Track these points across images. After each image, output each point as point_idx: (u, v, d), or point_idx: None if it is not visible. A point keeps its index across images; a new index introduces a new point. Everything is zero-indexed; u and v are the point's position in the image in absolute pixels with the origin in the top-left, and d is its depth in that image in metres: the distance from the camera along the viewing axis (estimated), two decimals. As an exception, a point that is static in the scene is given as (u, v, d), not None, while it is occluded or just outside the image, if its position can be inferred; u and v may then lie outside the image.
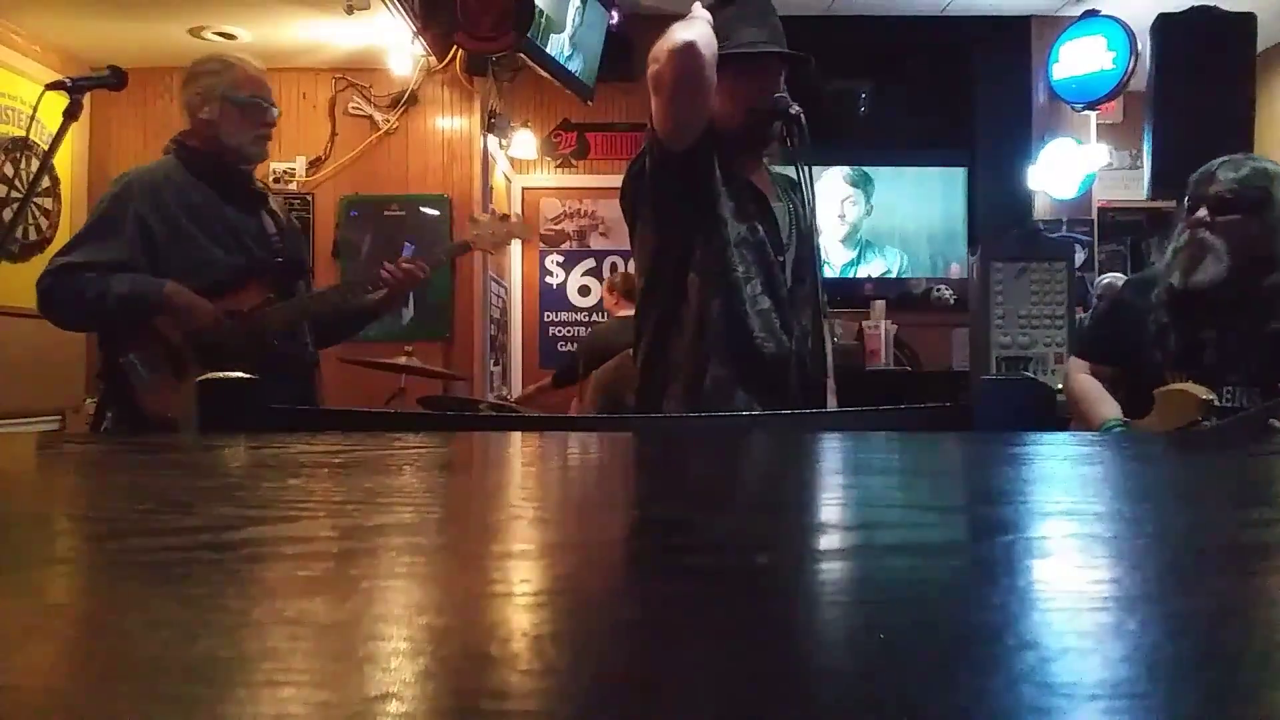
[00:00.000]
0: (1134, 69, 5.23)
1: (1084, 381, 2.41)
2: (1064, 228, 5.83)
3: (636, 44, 5.27)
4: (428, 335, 4.95)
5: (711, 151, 1.89)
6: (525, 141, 5.70)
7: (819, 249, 1.94)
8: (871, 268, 6.12)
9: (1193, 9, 3.95)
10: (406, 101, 5.01)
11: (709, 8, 1.95)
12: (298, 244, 2.52)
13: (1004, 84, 5.98)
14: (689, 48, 1.75)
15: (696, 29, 1.79)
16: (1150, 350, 2.28)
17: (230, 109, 2.31)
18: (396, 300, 2.53)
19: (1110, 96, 5.52)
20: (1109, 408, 2.34)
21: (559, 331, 6.06)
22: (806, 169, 1.90)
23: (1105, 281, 5.07)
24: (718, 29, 1.92)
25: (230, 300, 2.28)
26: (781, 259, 1.92)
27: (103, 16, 4.27)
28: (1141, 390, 2.29)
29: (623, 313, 5.06)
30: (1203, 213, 2.22)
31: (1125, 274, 5.48)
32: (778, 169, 2.07)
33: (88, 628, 0.28)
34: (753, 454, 0.94)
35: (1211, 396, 2.15)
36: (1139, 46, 5.14)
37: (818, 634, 0.27)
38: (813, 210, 1.86)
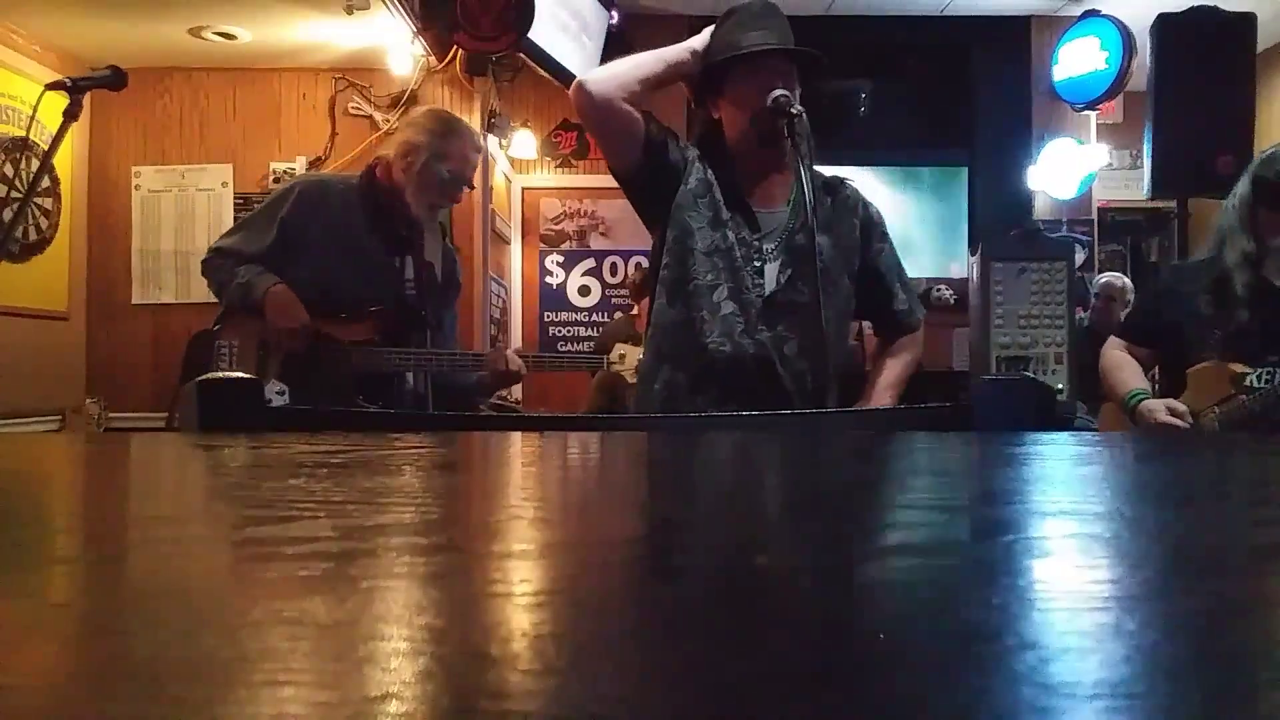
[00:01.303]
0: (1130, 69, 5.22)
1: (1116, 355, 2.45)
2: (1064, 228, 5.83)
3: (636, 44, 5.27)
4: (428, 335, 4.94)
5: (662, 172, 1.93)
6: (525, 141, 5.70)
7: (822, 251, 1.89)
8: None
9: (1193, 9, 3.95)
10: (406, 101, 5.01)
11: (714, 28, 1.97)
12: (435, 296, 2.44)
13: (1004, 84, 5.98)
14: (576, 87, 1.90)
15: (609, 66, 1.96)
16: (1189, 333, 2.29)
17: (431, 174, 2.32)
18: (493, 389, 2.46)
19: (1105, 97, 5.52)
20: (1136, 380, 2.37)
21: (559, 331, 6.06)
22: (807, 170, 1.89)
23: (1104, 280, 5.07)
24: (723, 40, 1.93)
25: (338, 326, 2.29)
26: (759, 263, 1.91)
27: (103, 16, 4.27)
28: (1180, 373, 2.31)
29: (633, 310, 5.08)
30: None
31: (1125, 274, 5.49)
32: (831, 177, 2.04)
33: (88, 628, 0.28)
34: (752, 455, 0.94)
35: (1246, 370, 2.16)
36: (1136, 46, 5.14)
37: (817, 634, 0.27)
38: (813, 211, 1.85)
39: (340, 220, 2.32)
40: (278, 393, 2.19)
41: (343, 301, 2.28)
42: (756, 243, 1.92)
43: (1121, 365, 2.41)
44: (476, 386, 2.45)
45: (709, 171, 1.94)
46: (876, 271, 2.03)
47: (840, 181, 2.07)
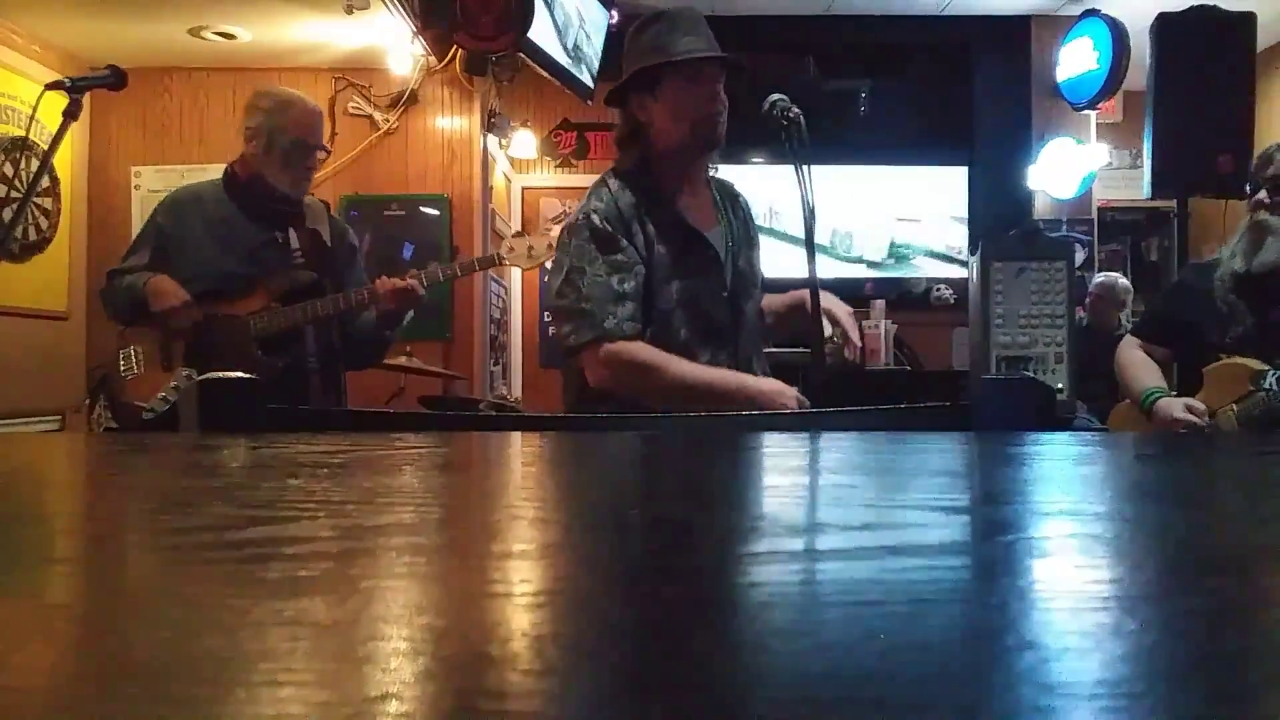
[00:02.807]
0: (1123, 69, 5.21)
1: (1132, 354, 2.45)
2: (1064, 227, 5.83)
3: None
4: (428, 335, 4.94)
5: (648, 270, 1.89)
6: (525, 141, 5.70)
7: (753, 263, 1.91)
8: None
9: (1193, 9, 3.95)
10: (406, 101, 5.01)
11: (635, 28, 1.94)
12: (327, 262, 2.53)
13: (1004, 84, 5.97)
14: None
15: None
16: (1208, 332, 2.29)
17: (277, 148, 2.45)
18: (393, 317, 2.52)
19: (1100, 96, 5.49)
20: (1152, 378, 2.36)
21: (559, 331, 6.05)
22: (807, 171, 1.89)
23: (1099, 280, 5.07)
24: (652, 45, 1.90)
25: (232, 305, 2.40)
26: (726, 293, 1.90)
27: (103, 16, 4.27)
28: (1196, 372, 2.30)
29: None
30: (1262, 194, 2.25)
31: (1125, 274, 5.49)
32: (719, 177, 2.04)
33: (88, 628, 0.28)
34: (752, 454, 0.94)
35: (1265, 367, 2.16)
36: (1129, 45, 5.13)
37: (818, 634, 0.27)
38: (813, 214, 1.84)
39: (216, 214, 2.47)
40: (186, 377, 2.28)
41: (233, 284, 2.41)
42: (717, 275, 1.91)
43: (1137, 365, 2.41)
44: (382, 321, 2.53)
45: (640, 214, 1.90)
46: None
47: (731, 185, 2.08)
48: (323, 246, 2.54)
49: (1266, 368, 2.18)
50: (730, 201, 2.03)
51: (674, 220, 1.91)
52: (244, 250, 2.44)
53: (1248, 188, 2.36)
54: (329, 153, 2.59)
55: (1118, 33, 5.21)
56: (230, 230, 2.45)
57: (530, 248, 2.66)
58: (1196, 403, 2.24)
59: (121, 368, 2.45)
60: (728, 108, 1.90)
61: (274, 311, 2.41)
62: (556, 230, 2.55)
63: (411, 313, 2.56)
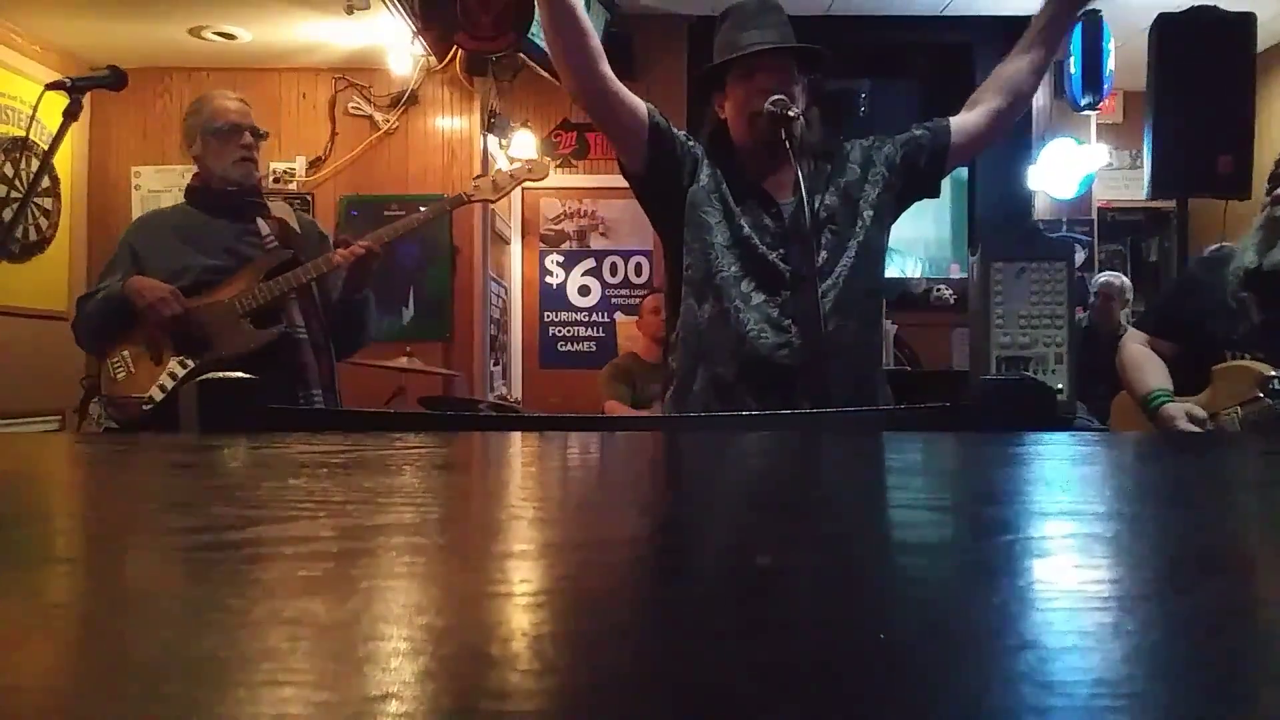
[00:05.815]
0: (1098, 68, 5.19)
1: (1137, 351, 2.40)
2: (1064, 228, 5.83)
3: (636, 44, 5.27)
4: (428, 335, 4.95)
5: (669, 164, 1.90)
6: (525, 141, 5.70)
7: (816, 248, 1.86)
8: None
9: (1193, 9, 3.94)
10: (406, 101, 5.01)
11: (717, 25, 1.96)
12: (300, 245, 2.59)
13: (1004, 84, 5.97)
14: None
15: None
16: (1214, 328, 2.26)
17: (209, 139, 2.52)
18: (361, 279, 2.59)
19: (1085, 93, 5.45)
20: (1157, 378, 2.32)
21: (559, 331, 6.06)
22: (806, 171, 1.89)
23: (1103, 279, 5.07)
24: (721, 41, 1.92)
25: (218, 292, 2.46)
26: (783, 251, 1.89)
27: (103, 16, 4.28)
28: (1201, 368, 2.27)
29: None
30: None
31: (1125, 274, 5.48)
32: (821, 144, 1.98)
33: (88, 628, 0.28)
34: (752, 454, 0.94)
35: (1274, 374, 2.14)
36: (1103, 45, 5.12)
37: (817, 634, 0.27)
38: (812, 212, 1.84)
39: (185, 224, 2.55)
40: (179, 363, 2.34)
41: (214, 276, 2.47)
42: (779, 231, 1.90)
43: (1142, 362, 2.37)
44: (351, 284, 2.60)
45: (717, 169, 1.93)
46: (890, 162, 1.96)
47: (840, 144, 2.00)
48: (292, 232, 2.60)
49: (1275, 373, 2.16)
50: (827, 163, 1.95)
51: (748, 185, 1.92)
52: (219, 246, 2.50)
53: (1266, 184, 2.33)
54: (265, 135, 2.65)
55: (1092, 34, 5.19)
56: (202, 232, 2.52)
57: (494, 181, 2.74)
58: (1198, 411, 2.22)
59: (114, 371, 2.48)
60: (798, 97, 1.87)
61: (256, 288, 2.47)
62: (519, 163, 2.62)
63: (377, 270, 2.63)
